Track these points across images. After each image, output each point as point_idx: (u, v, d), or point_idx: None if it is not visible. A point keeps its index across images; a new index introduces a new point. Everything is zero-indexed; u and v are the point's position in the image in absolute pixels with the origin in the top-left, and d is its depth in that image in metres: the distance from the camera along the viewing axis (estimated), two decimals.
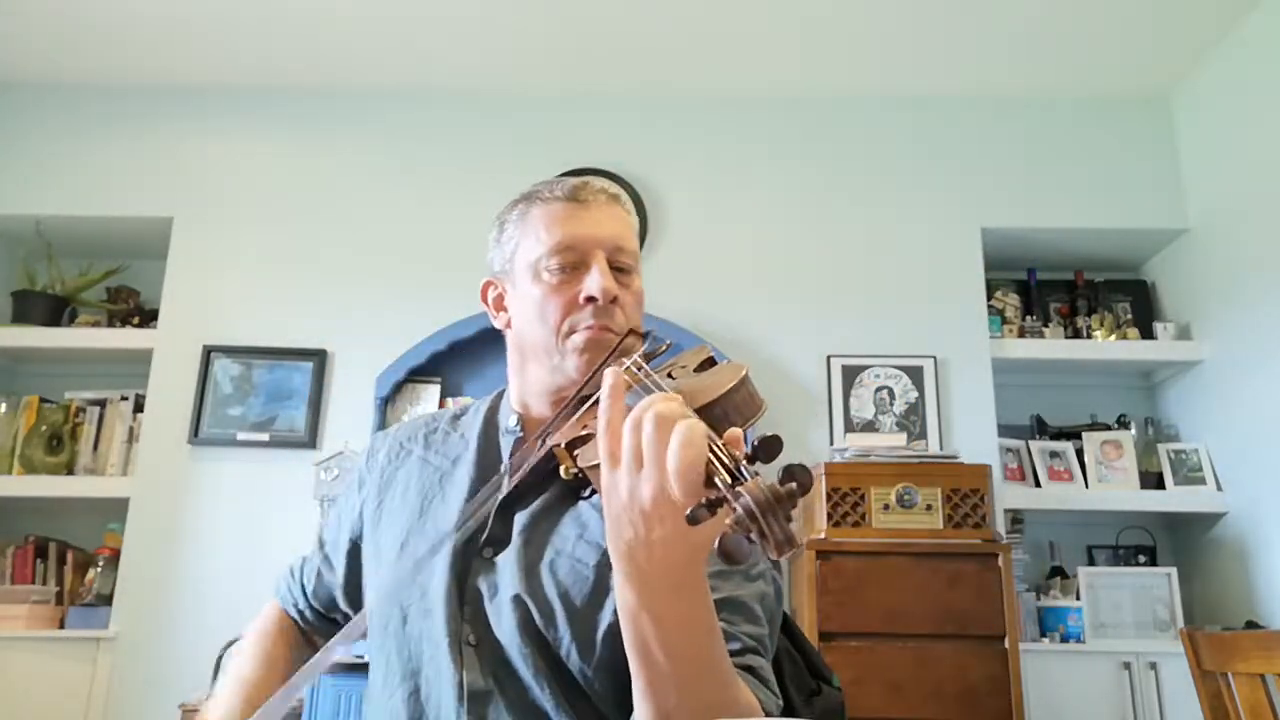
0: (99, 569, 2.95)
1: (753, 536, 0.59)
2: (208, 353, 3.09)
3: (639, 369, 0.89)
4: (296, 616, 1.19)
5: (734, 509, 0.60)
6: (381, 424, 2.99)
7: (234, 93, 3.36)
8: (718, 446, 0.66)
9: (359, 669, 2.37)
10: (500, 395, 1.16)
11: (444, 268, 3.17)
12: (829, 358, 3.08)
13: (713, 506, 0.62)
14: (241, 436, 3.02)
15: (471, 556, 0.99)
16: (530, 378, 1.06)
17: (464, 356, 3.06)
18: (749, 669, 0.86)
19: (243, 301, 3.17)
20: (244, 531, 2.91)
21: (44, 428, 3.10)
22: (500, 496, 0.99)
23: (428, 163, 3.31)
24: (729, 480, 0.62)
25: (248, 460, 3.01)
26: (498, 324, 1.11)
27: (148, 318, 3.25)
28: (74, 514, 3.12)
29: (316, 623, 1.18)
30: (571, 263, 1.01)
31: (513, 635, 0.93)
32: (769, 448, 0.65)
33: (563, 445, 0.86)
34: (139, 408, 3.12)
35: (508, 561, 0.97)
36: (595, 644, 0.91)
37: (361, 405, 3.03)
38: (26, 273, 3.27)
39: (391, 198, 3.27)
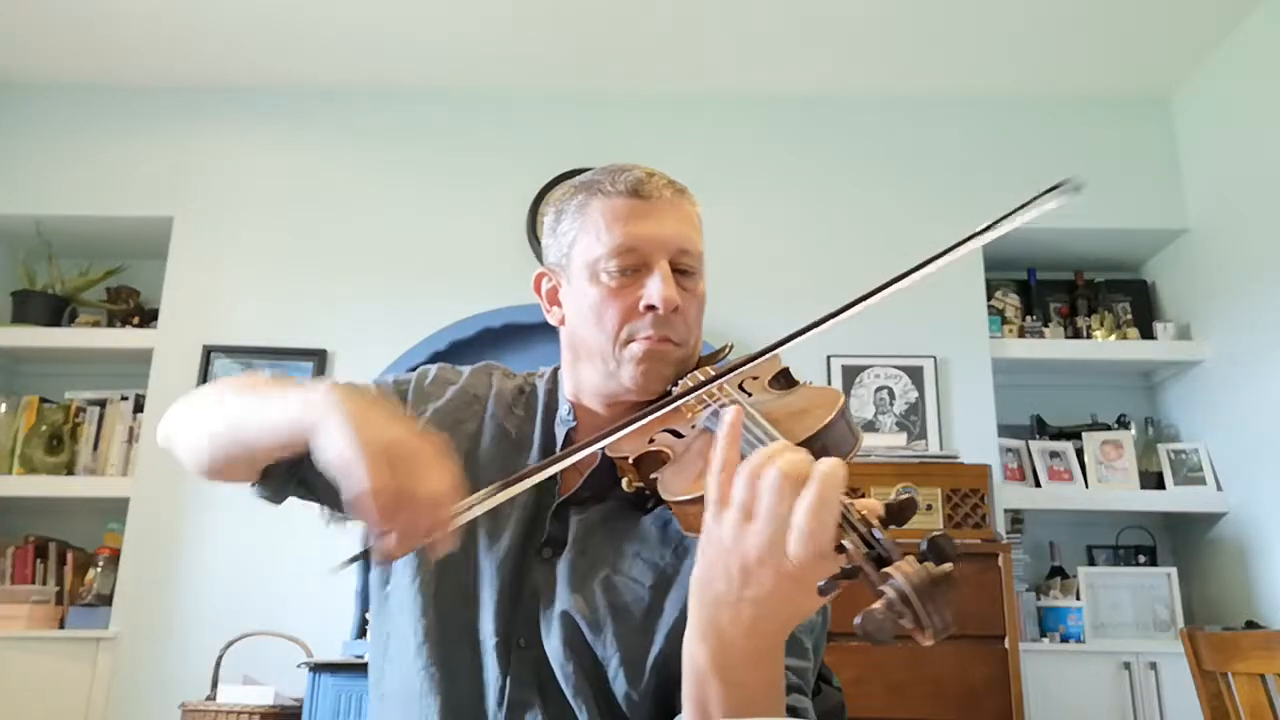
0: (99, 569, 2.95)
1: (906, 621, 0.55)
2: (208, 353, 3.09)
3: (718, 386, 0.84)
4: None
5: (881, 590, 0.56)
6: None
7: (234, 93, 3.36)
8: (848, 505, 0.61)
9: (358, 669, 2.37)
10: (555, 375, 1.10)
11: (444, 267, 3.17)
12: (829, 357, 3.08)
13: (848, 576, 0.58)
14: None
15: (530, 556, 0.95)
16: (583, 376, 1.01)
17: (464, 356, 3.05)
18: (792, 711, 0.82)
19: (243, 302, 3.16)
20: (244, 532, 2.91)
21: (44, 428, 3.10)
22: (557, 501, 0.94)
23: (428, 162, 3.31)
24: (864, 548, 0.58)
25: None
26: (551, 319, 1.06)
27: (148, 318, 3.25)
28: (74, 514, 3.12)
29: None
30: (632, 265, 0.95)
31: (558, 651, 0.89)
32: (903, 512, 0.61)
33: (630, 460, 0.82)
34: (139, 408, 3.12)
35: (563, 569, 0.93)
36: (645, 669, 0.87)
37: None
38: (26, 273, 3.27)
39: (392, 198, 3.27)
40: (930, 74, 3.25)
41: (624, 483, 0.86)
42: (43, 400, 3.15)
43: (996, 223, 0.78)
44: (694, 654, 0.68)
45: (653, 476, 0.81)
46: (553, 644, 0.90)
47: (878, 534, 0.59)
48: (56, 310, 3.26)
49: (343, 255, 3.20)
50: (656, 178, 1.01)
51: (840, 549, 0.60)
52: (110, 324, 3.28)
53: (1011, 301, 3.33)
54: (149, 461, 3.01)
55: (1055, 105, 3.33)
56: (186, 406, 1.02)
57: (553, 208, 1.05)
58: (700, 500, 0.69)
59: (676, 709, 0.86)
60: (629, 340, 0.95)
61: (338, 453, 0.73)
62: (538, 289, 1.06)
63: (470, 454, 1.02)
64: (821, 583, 0.58)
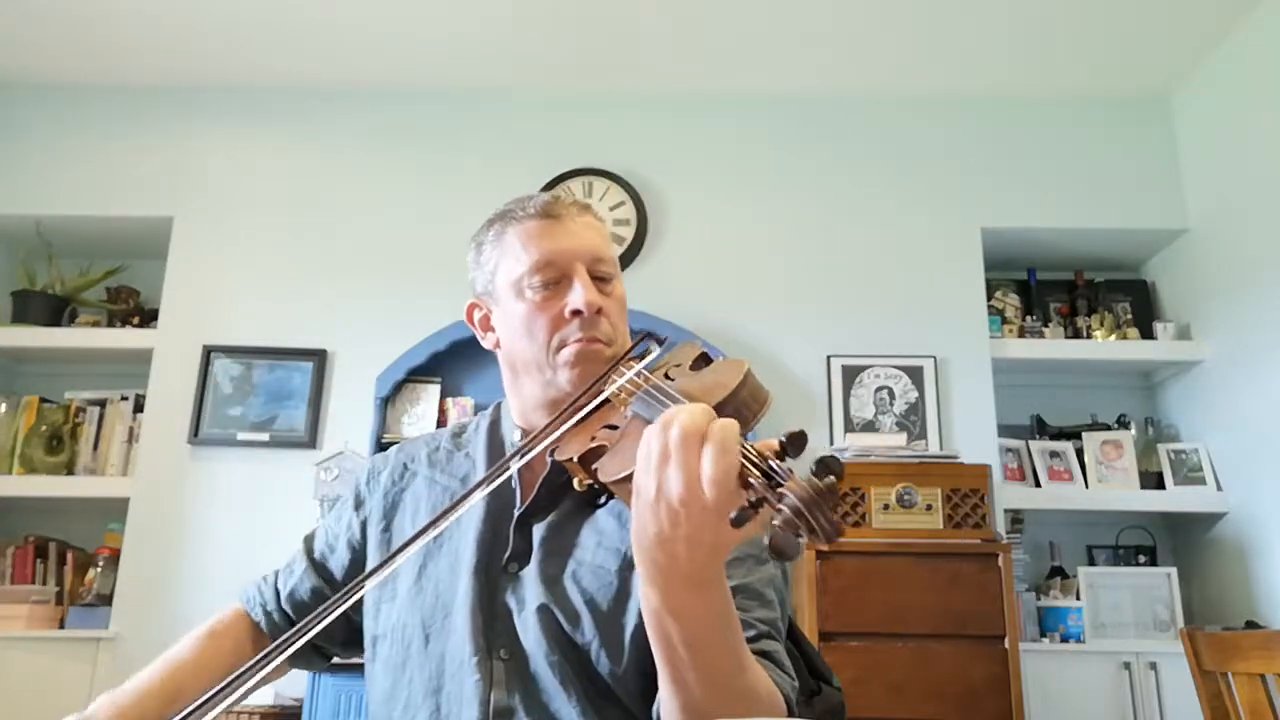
0: (99, 569, 2.95)
1: (801, 533, 0.62)
2: (208, 353, 3.09)
3: (640, 376, 0.91)
4: (262, 618, 1.16)
5: (779, 509, 0.62)
6: (381, 424, 2.99)
7: (234, 93, 3.36)
8: (747, 447, 0.68)
9: (358, 669, 2.37)
10: (498, 409, 1.17)
11: (444, 267, 3.16)
12: (829, 357, 3.08)
13: (755, 507, 0.65)
14: (241, 436, 3.02)
15: (497, 572, 1.00)
16: (525, 393, 1.08)
17: (464, 356, 3.05)
18: (764, 654, 0.89)
19: (243, 301, 3.17)
20: (244, 531, 2.91)
21: (44, 428, 3.10)
22: (517, 513, 1.00)
23: (428, 162, 3.31)
24: (765, 480, 0.65)
25: (248, 460, 3.01)
26: (486, 344, 1.12)
27: (148, 318, 3.25)
28: (74, 514, 3.12)
29: (283, 625, 1.15)
30: (553, 278, 1.02)
31: (539, 644, 0.94)
32: (796, 443, 0.67)
33: (575, 459, 0.88)
34: (139, 408, 3.12)
35: (531, 575, 0.99)
36: (624, 645, 0.93)
37: (361, 405, 3.02)
38: (26, 273, 3.27)
39: (392, 198, 3.27)
40: (930, 74, 3.25)
41: (575, 483, 0.91)
42: (43, 400, 3.15)
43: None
44: (647, 598, 0.76)
45: (594, 467, 0.87)
46: (533, 639, 0.95)
47: (774, 465, 0.66)
48: (56, 310, 3.26)
49: (343, 255, 3.20)
50: (563, 198, 1.09)
51: (746, 485, 0.66)
52: (110, 324, 3.28)
53: (1011, 301, 3.33)
54: (149, 461, 3.01)
55: (1056, 105, 3.33)
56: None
57: (473, 243, 1.13)
58: (630, 477, 0.76)
59: (655, 678, 0.91)
60: (560, 346, 1.02)
61: None
62: (470, 319, 1.14)
63: (413, 516, 1.10)
64: (733, 514, 0.65)
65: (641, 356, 0.97)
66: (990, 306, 3.21)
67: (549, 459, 0.99)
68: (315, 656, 1.17)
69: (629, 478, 0.76)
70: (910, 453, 2.76)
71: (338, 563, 1.15)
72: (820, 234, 3.23)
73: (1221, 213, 3.06)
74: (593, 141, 3.32)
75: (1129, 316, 3.25)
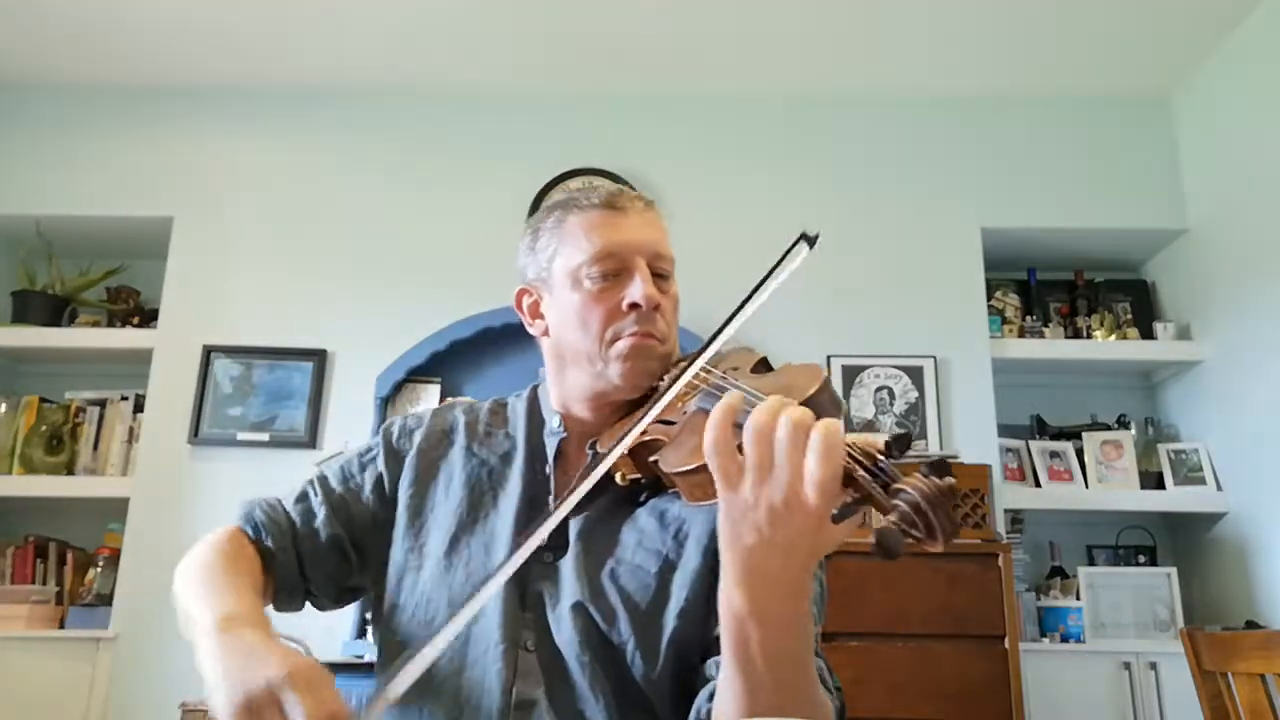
0: (99, 569, 2.95)
1: (919, 531, 0.60)
2: (208, 353, 3.09)
3: (707, 372, 0.90)
4: (273, 551, 1.07)
5: (895, 505, 0.62)
6: (381, 424, 2.98)
7: (234, 93, 3.36)
8: (851, 445, 0.67)
9: (358, 669, 2.37)
10: (535, 393, 1.15)
11: (444, 267, 3.17)
12: (829, 357, 3.08)
13: (858, 504, 0.64)
14: (241, 436, 3.02)
15: (531, 560, 0.96)
16: (570, 382, 1.06)
17: (464, 356, 3.06)
18: None
19: (243, 301, 3.16)
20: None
21: (44, 428, 3.10)
22: (571, 502, 0.94)
23: (428, 162, 3.31)
24: (872, 478, 0.65)
25: (248, 460, 3.01)
26: (534, 331, 1.10)
27: (148, 318, 3.25)
28: (74, 514, 3.12)
29: (288, 566, 1.06)
30: (613, 270, 1.01)
31: (572, 643, 0.93)
32: (902, 443, 0.66)
33: (624, 450, 0.85)
34: (139, 408, 3.12)
35: (568, 568, 0.97)
36: (660, 650, 0.92)
37: (361, 405, 3.02)
38: (26, 273, 3.27)
39: (392, 197, 3.27)
40: (930, 74, 3.25)
41: (617, 477, 0.89)
42: (43, 400, 3.15)
43: (754, 292, 0.92)
44: (731, 601, 0.73)
45: (652, 459, 0.86)
46: (565, 637, 0.93)
47: (882, 463, 0.66)
48: (56, 310, 3.26)
49: (343, 255, 3.20)
50: (627, 192, 1.08)
51: (849, 481, 0.65)
52: (110, 324, 3.28)
53: (1011, 301, 3.33)
54: (149, 461, 3.01)
55: (1055, 105, 3.33)
56: (180, 575, 1.06)
57: (528, 230, 1.11)
58: (702, 469, 0.74)
59: (690, 684, 0.91)
60: (614, 339, 1.00)
61: (216, 695, 0.80)
62: (519, 305, 1.12)
63: (447, 485, 1.08)
64: (835, 511, 0.64)
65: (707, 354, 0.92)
66: (990, 306, 3.21)
67: (589, 451, 0.98)
68: (300, 597, 1.09)
69: (697, 470, 0.74)
70: (910, 453, 2.76)
71: (361, 512, 1.09)
72: (820, 233, 3.22)
73: (1221, 213, 3.06)
74: (592, 141, 3.31)
75: (1129, 316, 3.25)
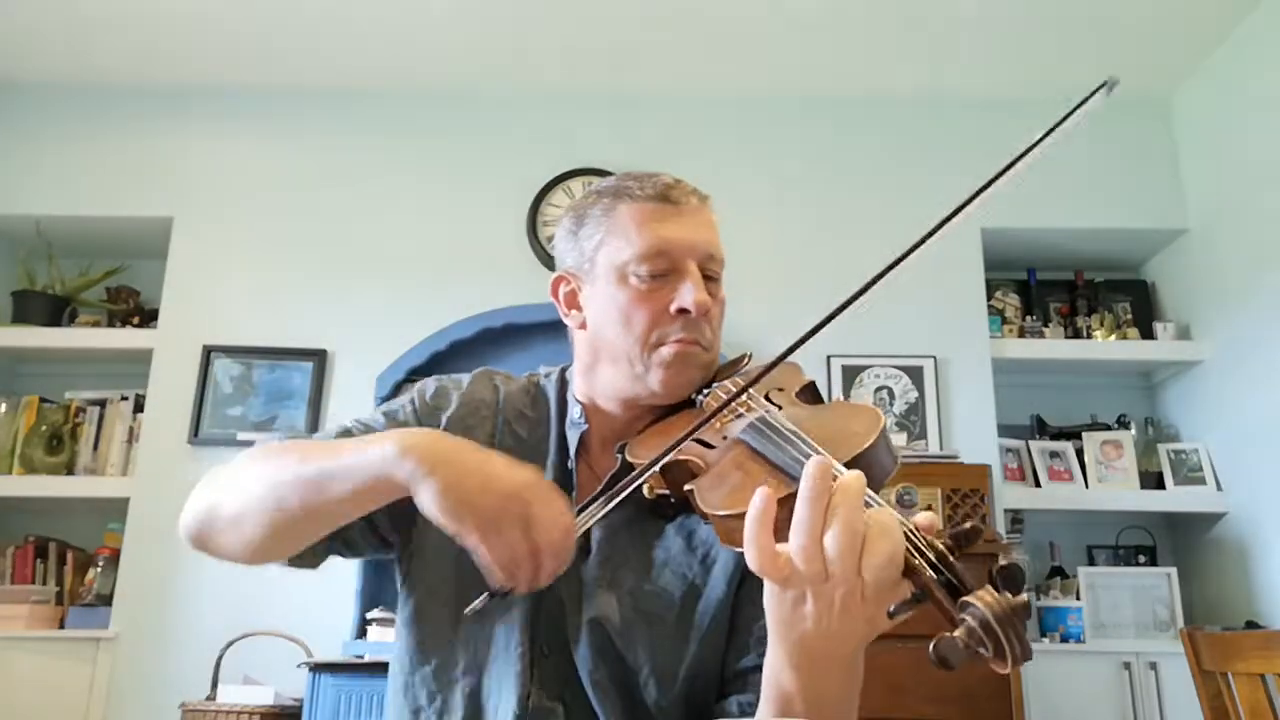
0: (99, 569, 2.95)
1: (987, 650, 0.56)
2: (208, 353, 3.09)
3: (743, 394, 0.85)
4: None
5: (962, 619, 0.58)
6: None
7: (234, 93, 3.35)
8: (914, 534, 0.63)
9: (358, 669, 2.37)
10: (564, 375, 1.09)
11: (444, 268, 3.17)
12: (829, 357, 3.08)
13: (918, 601, 0.61)
14: (241, 436, 3.01)
15: None
16: (602, 379, 1.00)
17: (464, 356, 3.05)
18: None
19: (243, 301, 3.16)
20: None
21: (44, 428, 3.10)
22: (598, 516, 0.86)
23: (428, 162, 3.31)
24: (935, 576, 0.61)
25: None
26: (569, 322, 1.04)
27: (148, 318, 3.25)
28: (74, 514, 3.12)
29: None
30: (663, 270, 0.95)
31: (587, 659, 0.90)
32: (970, 538, 0.62)
33: (657, 469, 0.82)
34: (139, 408, 3.12)
35: (590, 578, 0.94)
36: (677, 678, 0.89)
37: (361, 405, 3.02)
38: (26, 273, 3.27)
39: (392, 198, 3.27)
40: (930, 74, 3.25)
41: (645, 489, 0.85)
42: (43, 400, 3.15)
43: (1046, 135, 0.84)
44: (779, 679, 0.70)
45: (688, 488, 0.81)
46: (582, 652, 0.90)
47: (947, 558, 0.61)
48: (56, 310, 3.26)
49: (343, 255, 3.20)
50: (683, 184, 1.01)
51: (908, 571, 0.62)
52: (110, 324, 3.28)
53: (1011, 301, 3.33)
54: (149, 461, 3.01)
55: (1055, 105, 3.29)
56: (230, 481, 0.92)
57: (572, 213, 1.03)
58: (743, 516, 0.68)
59: (703, 715, 0.89)
60: (659, 344, 0.95)
61: (451, 516, 0.76)
62: (555, 293, 1.05)
63: None
64: (891, 608, 0.61)
65: (750, 376, 0.88)
66: (990, 306, 3.21)
67: (617, 454, 0.93)
68: (328, 541, 0.97)
69: (737, 518, 0.69)
70: (910, 453, 2.76)
71: None
72: (820, 233, 3.23)
73: (1221, 213, 3.06)
74: (592, 141, 3.31)
75: (1129, 316, 3.25)
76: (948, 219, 0.77)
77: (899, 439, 2.90)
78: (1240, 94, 2.99)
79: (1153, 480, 3.04)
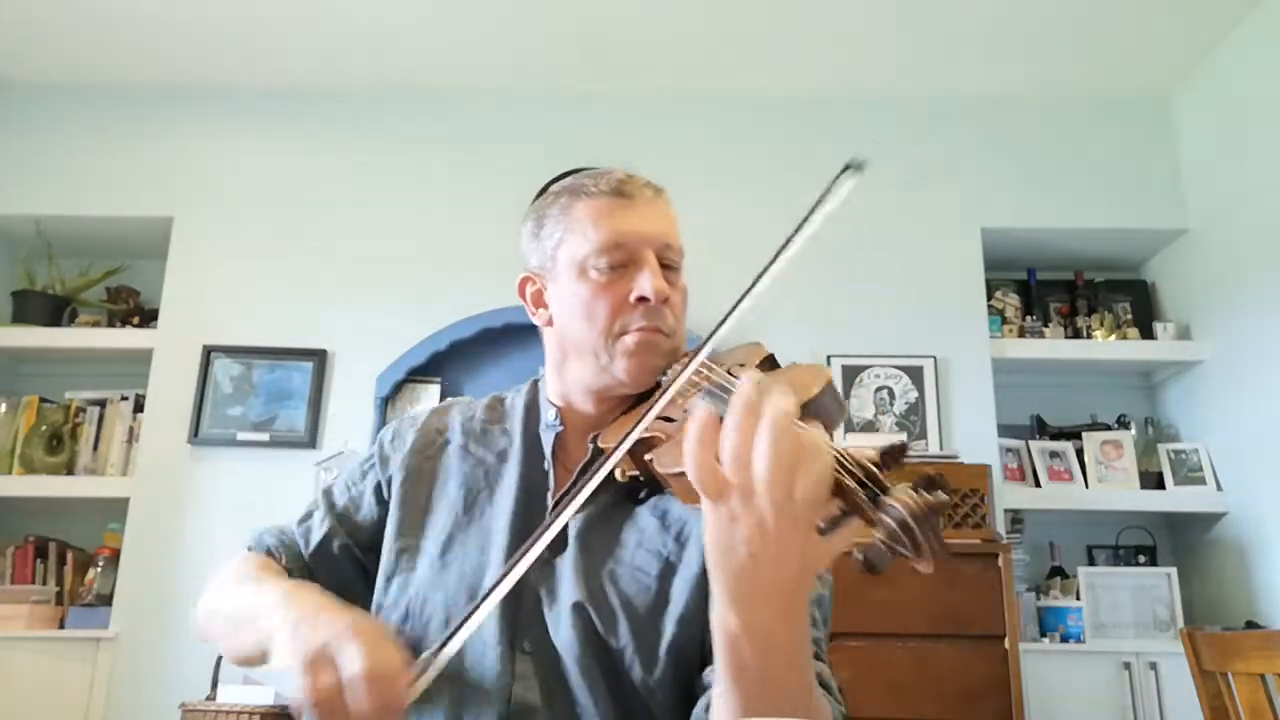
0: (99, 569, 2.95)
1: (905, 549, 0.58)
2: (208, 353, 3.09)
3: (710, 369, 0.87)
4: (292, 568, 1.09)
5: (881, 520, 0.58)
6: (381, 424, 2.98)
7: (234, 93, 3.36)
8: (840, 452, 0.63)
9: None
10: (534, 388, 1.12)
11: (444, 268, 3.17)
12: (829, 357, 3.08)
13: (846, 517, 0.61)
14: (241, 436, 3.02)
15: None
16: (572, 375, 1.03)
17: (464, 356, 3.06)
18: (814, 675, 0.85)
19: (243, 301, 3.16)
20: (244, 532, 2.90)
21: (44, 428, 3.10)
22: (574, 507, 0.85)
23: (427, 162, 3.31)
24: (862, 489, 0.61)
25: (248, 460, 3.01)
26: (536, 321, 1.07)
27: (148, 318, 3.25)
28: (74, 514, 3.12)
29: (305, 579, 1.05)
30: (621, 261, 0.98)
31: (571, 644, 0.90)
32: (896, 454, 0.63)
33: (626, 449, 0.82)
34: (139, 408, 3.12)
35: (566, 567, 0.95)
36: (659, 656, 0.90)
37: (361, 405, 3.03)
38: (26, 273, 3.27)
39: (392, 198, 3.27)
40: (930, 74, 3.25)
41: (617, 473, 0.87)
42: (43, 400, 3.15)
43: (802, 224, 0.86)
44: (725, 623, 0.69)
45: (647, 457, 0.83)
46: (564, 638, 0.91)
47: (873, 473, 0.62)
48: (56, 310, 3.26)
49: (343, 255, 3.20)
50: (636, 178, 1.04)
51: (838, 491, 0.62)
52: (110, 324, 3.28)
53: (1011, 301, 3.33)
54: (149, 461, 3.01)
55: (1055, 105, 3.33)
56: (204, 601, 1.07)
57: (533, 214, 1.07)
58: None
59: (689, 689, 0.89)
60: (621, 333, 0.97)
61: (285, 668, 0.81)
62: (522, 294, 1.08)
63: (443, 486, 1.05)
64: (821, 524, 0.61)
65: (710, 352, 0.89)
66: (990, 306, 3.21)
67: (590, 444, 0.95)
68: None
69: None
70: (910, 453, 2.76)
71: (365, 517, 1.09)
72: (820, 233, 3.22)
73: (1221, 213, 3.06)
74: (592, 141, 3.32)
75: (1129, 316, 3.25)
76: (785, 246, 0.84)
77: (898, 439, 2.90)
78: (1240, 94, 2.99)
79: (1153, 480, 3.04)
